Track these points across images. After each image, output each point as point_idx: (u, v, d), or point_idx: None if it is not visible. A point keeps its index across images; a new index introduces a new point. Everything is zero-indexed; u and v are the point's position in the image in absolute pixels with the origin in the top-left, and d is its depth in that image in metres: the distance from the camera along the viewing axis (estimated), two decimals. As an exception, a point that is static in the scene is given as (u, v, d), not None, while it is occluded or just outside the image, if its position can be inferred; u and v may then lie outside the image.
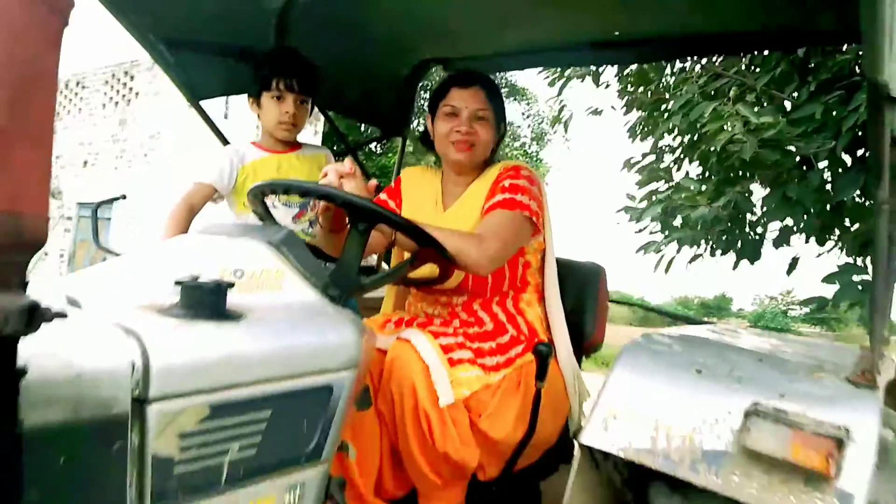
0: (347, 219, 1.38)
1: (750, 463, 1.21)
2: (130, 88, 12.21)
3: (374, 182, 1.51)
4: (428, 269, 1.59)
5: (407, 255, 1.64)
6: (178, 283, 0.99)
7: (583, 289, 2.03)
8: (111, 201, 2.23)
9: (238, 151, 2.13)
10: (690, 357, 1.42)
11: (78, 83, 13.00)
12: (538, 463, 1.75)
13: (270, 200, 2.00)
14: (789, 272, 3.71)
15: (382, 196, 1.96)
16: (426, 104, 1.98)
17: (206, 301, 0.99)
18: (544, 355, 1.59)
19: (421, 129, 2.03)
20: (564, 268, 1.99)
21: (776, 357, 1.49)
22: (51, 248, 12.62)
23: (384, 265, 2.55)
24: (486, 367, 1.58)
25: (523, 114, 21.20)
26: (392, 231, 1.50)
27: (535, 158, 20.92)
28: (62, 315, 0.64)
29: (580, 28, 2.37)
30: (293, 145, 2.17)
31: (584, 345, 1.97)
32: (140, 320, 0.91)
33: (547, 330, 1.80)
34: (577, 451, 1.43)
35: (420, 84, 3.01)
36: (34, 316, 0.60)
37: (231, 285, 1.03)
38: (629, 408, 1.34)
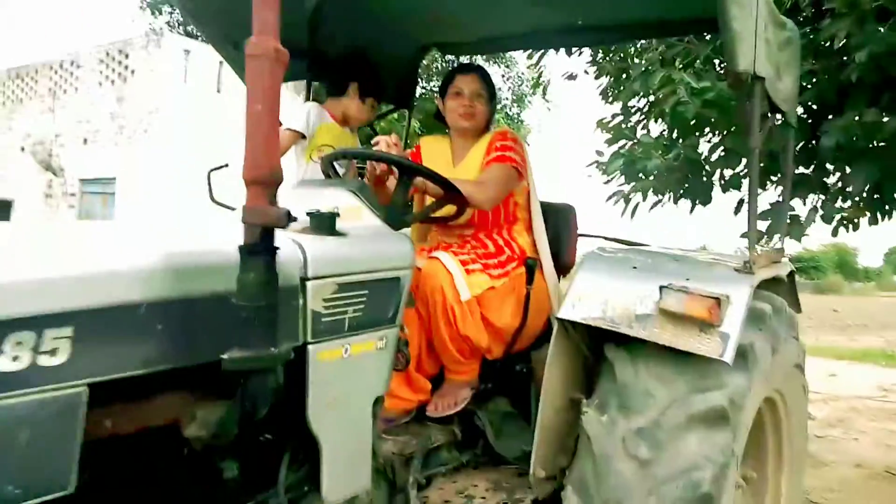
0: (394, 175, 2.04)
1: (664, 319, 1.89)
2: (126, 66, 12.64)
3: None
4: (445, 210, 2.25)
5: (429, 200, 2.29)
6: (308, 213, 1.64)
7: (559, 224, 2.69)
8: (219, 168, 2.73)
9: (319, 110, 2.80)
10: (628, 260, 2.10)
11: (73, 62, 13.38)
12: (529, 346, 2.43)
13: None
14: (736, 212, 4.40)
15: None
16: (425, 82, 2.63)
17: (325, 225, 1.65)
18: (531, 267, 2.28)
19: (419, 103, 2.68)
20: (545, 207, 2.66)
21: (690, 259, 2.17)
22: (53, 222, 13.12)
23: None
24: (492, 276, 2.26)
25: (503, 76, 21.64)
26: (424, 182, 2.16)
27: (515, 120, 21.46)
28: (294, 219, 1.29)
29: (550, 18, 3.00)
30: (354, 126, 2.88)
31: (561, 265, 2.64)
32: (298, 235, 1.56)
33: (534, 251, 2.47)
34: (555, 328, 2.10)
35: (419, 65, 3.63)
36: (289, 219, 1.25)
37: (338, 215, 1.69)
38: (588, 292, 2.02)
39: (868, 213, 4.70)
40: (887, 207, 4.64)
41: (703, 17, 2.65)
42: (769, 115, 2.37)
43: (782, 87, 2.40)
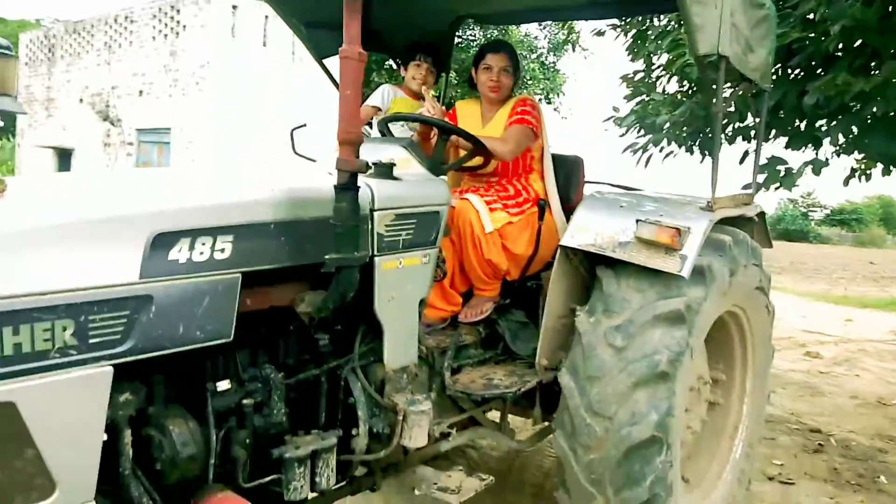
0: (433, 133, 2.64)
1: (640, 245, 2.48)
2: (178, 22, 13.28)
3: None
4: (474, 161, 2.85)
5: (462, 153, 2.89)
6: (373, 163, 2.26)
7: (569, 172, 3.27)
8: (299, 128, 3.30)
9: (391, 89, 3.43)
10: (617, 201, 2.69)
11: (126, 17, 14.07)
12: (540, 270, 3.05)
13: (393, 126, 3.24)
14: (741, 161, 4.90)
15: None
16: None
17: (386, 172, 2.27)
18: (542, 206, 2.89)
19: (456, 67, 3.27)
20: (558, 159, 3.24)
21: (666, 199, 2.75)
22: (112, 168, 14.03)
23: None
24: (510, 213, 2.86)
25: (540, 26, 21.72)
26: (457, 138, 2.76)
27: (551, 70, 21.65)
28: (371, 167, 1.92)
29: None
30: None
31: (568, 206, 3.22)
32: (368, 179, 2.18)
33: (546, 195, 3.07)
34: (558, 254, 2.71)
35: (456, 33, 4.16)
36: (367, 167, 1.88)
37: (394, 165, 2.31)
38: (585, 225, 2.62)
39: (880, 164, 5.15)
40: None
41: None
42: (742, 81, 2.90)
43: (753, 59, 2.92)
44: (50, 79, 16.25)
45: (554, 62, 22.82)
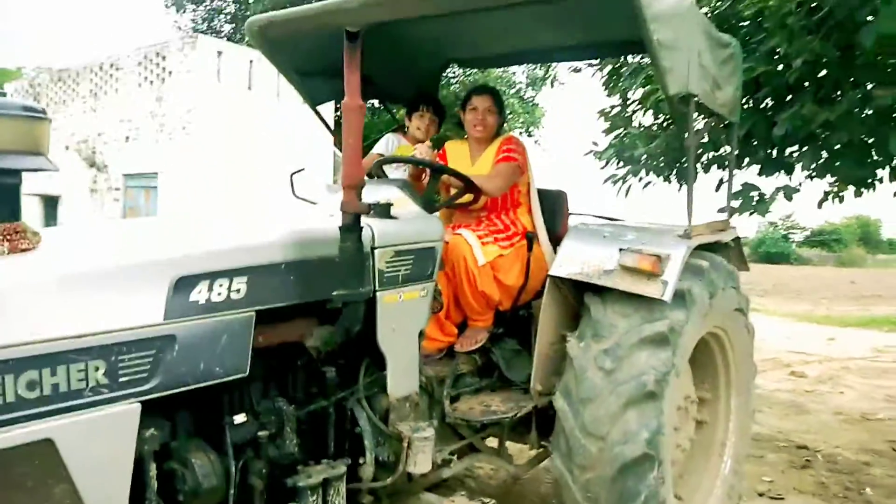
0: (425, 173, 2.81)
1: (624, 272, 2.64)
2: (164, 68, 13.51)
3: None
4: (465, 198, 3.01)
5: (453, 191, 3.05)
6: (371, 205, 2.41)
7: (553, 205, 3.44)
8: (298, 172, 3.44)
9: (395, 138, 3.61)
10: (601, 231, 2.86)
11: (112, 65, 14.28)
12: (531, 299, 3.20)
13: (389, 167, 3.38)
14: (717, 189, 5.11)
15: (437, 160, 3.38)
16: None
17: (384, 211, 2.42)
18: (530, 239, 3.06)
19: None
20: (543, 193, 3.41)
21: (646, 229, 2.91)
22: (103, 216, 14.12)
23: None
24: (501, 246, 3.02)
25: (519, 61, 22.19)
26: (448, 177, 2.93)
27: (530, 104, 22.15)
28: (385, 208, 2.07)
29: (543, 39, 3.72)
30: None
31: (554, 237, 3.38)
32: (367, 219, 2.32)
33: (533, 228, 3.23)
34: (548, 284, 2.86)
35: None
36: (370, 209, 2.03)
37: (391, 204, 2.46)
38: (572, 255, 2.78)
39: (852, 187, 5.39)
40: (869, 181, 5.33)
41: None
42: (711, 116, 3.11)
43: (721, 95, 3.13)
44: (35, 127, 16.38)
45: (532, 97, 23.35)
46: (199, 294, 1.81)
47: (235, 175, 13.61)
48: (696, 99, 2.78)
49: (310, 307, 2.14)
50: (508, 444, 3.29)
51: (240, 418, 2.01)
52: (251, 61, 13.89)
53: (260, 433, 2.04)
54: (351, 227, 2.05)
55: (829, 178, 5.49)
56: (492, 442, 3.27)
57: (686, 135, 2.76)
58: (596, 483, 2.53)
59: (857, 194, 5.67)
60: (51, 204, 16.04)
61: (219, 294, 1.86)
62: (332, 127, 3.92)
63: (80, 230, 2.09)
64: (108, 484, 1.65)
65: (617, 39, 3.54)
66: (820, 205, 5.97)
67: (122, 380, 1.65)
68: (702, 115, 5.07)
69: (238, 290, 1.90)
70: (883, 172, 5.16)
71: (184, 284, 1.77)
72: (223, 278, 1.86)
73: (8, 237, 1.62)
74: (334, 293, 2.05)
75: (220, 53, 13.39)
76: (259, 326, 1.97)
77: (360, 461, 2.35)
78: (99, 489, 1.63)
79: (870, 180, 5.22)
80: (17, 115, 1.62)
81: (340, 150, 3.58)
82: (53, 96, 16.09)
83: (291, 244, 2.05)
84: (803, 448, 5.25)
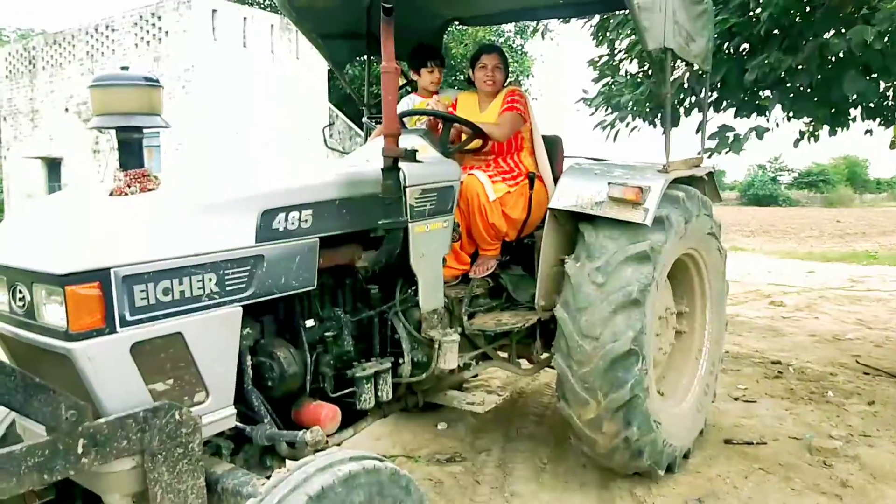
0: (440, 124, 3.28)
1: (612, 202, 3.14)
2: (160, 28, 13.69)
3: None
4: (474, 143, 3.49)
5: (465, 137, 3.52)
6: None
7: (551, 149, 3.92)
8: (330, 125, 3.87)
9: (412, 98, 4.00)
10: (592, 169, 3.35)
11: (107, 27, 14.42)
12: (534, 230, 3.70)
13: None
14: (697, 131, 5.57)
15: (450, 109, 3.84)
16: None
17: (411, 156, 2.90)
18: (532, 178, 3.56)
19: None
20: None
21: (631, 166, 3.41)
22: (107, 177, 14.45)
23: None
24: (508, 184, 3.51)
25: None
26: (461, 126, 3.40)
27: (519, 52, 22.30)
28: (413, 154, 2.56)
29: None
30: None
31: (553, 177, 3.88)
32: (401, 164, 2.80)
33: (535, 168, 3.72)
34: (547, 216, 3.36)
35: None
36: (409, 155, 2.52)
37: (416, 150, 2.94)
38: (568, 190, 3.27)
39: (826, 126, 5.87)
40: (843, 120, 5.81)
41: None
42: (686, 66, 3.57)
43: (695, 47, 3.59)
44: (33, 91, 16.56)
45: (521, 45, 23.47)
46: (279, 223, 2.30)
47: (235, 129, 13.95)
48: (671, 52, 3.25)
49: (359, 235, 2.64)
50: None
51: (310, 322, 2.53)
52: (244, 19, 14.07)
53: (326, 334, 2.57)
54: (391, 169, 2.54)
55: (805, 119, 5.98)
56: (502, 354, 3.82)
57: (663, 84, 3.24)
58: (591, 375, 3.08)
59: (832, 133, 6.15)
60: (54, 166, 16.35)
61: (292, 223, 2.35)
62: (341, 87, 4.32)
63: (186, 174, 2.56)
64: (221, 367, 2.17)
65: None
66: (796, 143, 6.47)
67: (228, 288, 2.15)
68: (682, 63, 5.53)
69: (306, 221, 2.39)
70: (855, 112, 5.65)
71: (268, 216, 2.26)
72: (295, 211, 2.36)
73: (138, 180, 2.10)
74: (379, 223, 2.56)
75: (214, 12, 13.56)
76: (322, 250, 2.47)
77: (400, 361, 2.89)
78: (215, 371, 2.14)
79: (842, 119, 5.71)
80: (138, 83, 2.08)
81: (334, 104, 3.97)
82: (50, 59, 16.22)
83: (345, 184, 2.54)
84: (777, 363, 5.86)
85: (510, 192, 3.50)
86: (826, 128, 5.98)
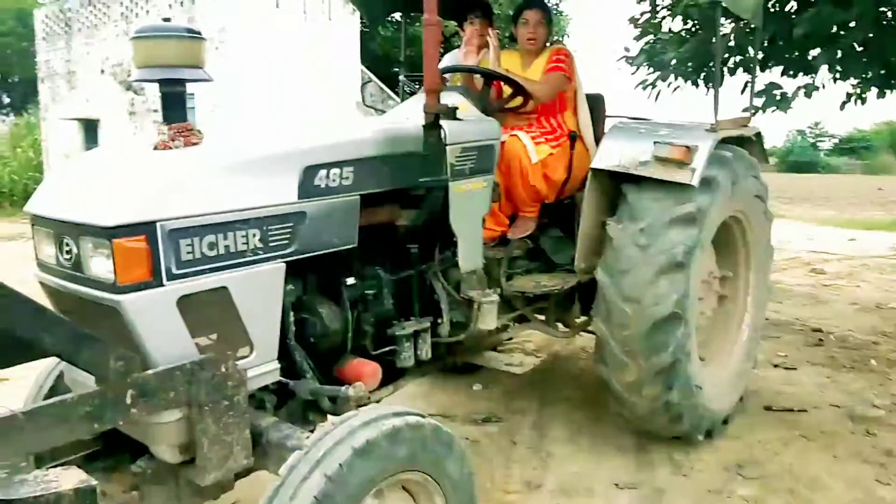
0: (478, 80, 3.21)
1: (657, 162, 3.06)
2: (193, -12, 13.64)
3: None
4: (516, 102, 3.41)
5: (505, 94, 3.44)
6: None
7: (592, 108, 3.82)
8: (367, 83, 3.83)
9: (454, 54, 3.91)
10: (636, 128, 3.26)
11: (142, -13, 14.41)
12: (574, 192, 3.63)
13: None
14: (742, 91, 5.40)
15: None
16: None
17: (451, 114, 2.84)
18: (573, 139, 3.48)
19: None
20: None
21: (676, 125, 3.31)
22: (143, 138, 14.58)
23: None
24: (551, 146, 3.43)
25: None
26: (503, 84, 3.32)
27: (556, 13, 21.83)
28: (454, 111, 2.51)
29: None
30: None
31: (595, 137, 3.79)
32: (441, 122, 2.75)
33: (578, 129, 3.63)
34: (589, 176, 3.28)
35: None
36: (450, 112, 2.47)
37: (457, 108, 2.88)
38: (611, 150, 3.19)
39: (875, 88, 5.64)
40: (893, 82, 5.58)
41: None
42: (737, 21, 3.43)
43: (745, 1, 3.44)
44: (69, 52, 16.68)
45: (557, 4, 22.96)
46: (321, 180, 2.27)
47: (269, 90, 13.94)
48: (723, 5, 3.12)
49: (399, 193, 2.61)
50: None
51: (351, 280, 2.52)
52: (278, -21, 13.94)
53: (366, 292, 2.56)
54: (432, 125, 2.49)
55: (852, 81, 5.75)
56: (540, 317, 3.79)
57: (713, 39, 3.11)
58: (632, 339, 3.04)
59: (881, 95, 5.91)
60: (91, 128, 16.54)
61: (334, 181, 2.32)
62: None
63: (230, 130, 2.55)
64: (266, 322, 2.17)
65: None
66: (843, 106, 6.22)
67: (271, 244, 2.14)
68: (729, 20, 5.33)
69: (347, 178, 2.36)
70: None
71: (310, 172, 2.23)
72: (336, 168, 2.33)
73: (183, 134, 2.09)
74: (420, 180, 2.52)
75: (247, -28, 13.47)
76: (363, 208, 2.44)
77: (439, 321, 2.87)
78: (260, 325, 2.15)
79: (892, 81, 5.48)
80: (181, 35, 2.05)
81: (366, 67, 3.89)
82: (85, 21, 16.28)
83: (386, 140, 2.50)
84: (818, 331, 5.75)
85: (552, 153, 3.43)
86: (874, 90, 5.76)
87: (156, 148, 2.09)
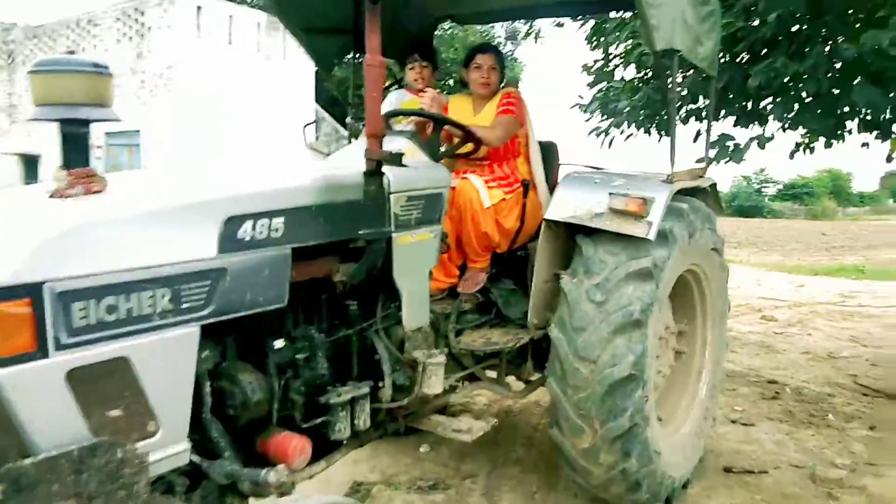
0: (429, 125, 3.03)
1: (612, 214, 2.91)
2: (143, 24, 13.36)
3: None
4: (467, 148, 3.24)
5: (456, 141, 3.28)
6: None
7: (546, 156, 3.69)
8: (311, 123, 3.63)
9: (399, 94, 3.74)
10: (591, 178, 3.11)
11: (89, 21, 14.07)
12: (526, 242, 3.46)
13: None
14: (695, 140, 5.38)
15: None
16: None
17: (397, 160, 2.65)
18: (527, 186, 3.32)
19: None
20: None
21: (632, 175, 3.17)
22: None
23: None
24: (504, 192, 3.26)
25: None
26: (452, 128, 3.15)
27: (509, 58, 22.16)
28: (398, 157, 2.31)
29: None
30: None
31: (548, 185, 3.64)
32: (384, 168, 2.55)
33: (530, 176, 3.47)
34: (542, 226, 3.12)
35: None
36: (394, 158, 2.27)
37: (403, 154, 2.69)
38: (565, 200, 3.04)
39: (822, 138, 5.68)
40: (839, 132, 5.62)
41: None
42: (692, 70, 3.36)
43: (702, 50, 3.37)
44: (12, 85, 16.14)
45: (511, 51, 23.33)
46: (245, 232, 2.04)
47: (218, 130, 13.64)
48: (679, 54, 3.03)
49: (337, 246, 2.38)
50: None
51: (279, 343, 2.27)
52: (231, 16, 13.76)
53: (297, 357, 2.31)
54: (374, 173, 2.29)
55: (800, 131, 5.79)
56: (491, 374, 3.57)
57: (669, 88, 3.01)
58: (587, 401, 2.84)
59: (828, 145, 5.97)
60: (31, 163, 15.93)
61: (261, 232, 2.09)
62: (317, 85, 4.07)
63: (139, 175, 2.30)
64: (174, 397, 1.91)
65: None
66: (792, 155, 6.27)
67: (183, 306, 1.89)
68: (682, 71, 5.33)
69: (277, 230, 2.13)
70: (852, 124, 5.47)
71: (232, 223, 2.00)
72: (265, 218, 2.10)
73: (83, 181, 1.84)
74: (360, 232, 2.30)
75: (199, 9, 13.25)
76: (294, 262, 2.21)
77: (380, 385, 2.63)
78: (166, 402, 1.88)
79: (839, 132, 5.53)
80: (85, 70, 1.82)
81: (321, 105, 3.75)
82: (29, 54, 15.82)
83: (322, 188, 2.28)
84: (773, 382, 5.66)
85: (505, 199, 3.26)
86: (822, 140, 5.81)
87: (52, 196, 1.83)
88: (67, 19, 14.46)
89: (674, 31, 2.93)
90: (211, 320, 1.96)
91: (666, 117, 5.47)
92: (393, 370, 2.66)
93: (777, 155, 6.13)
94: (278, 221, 2.14)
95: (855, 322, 8.58)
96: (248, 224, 2.04)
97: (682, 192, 3.24)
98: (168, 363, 1.88)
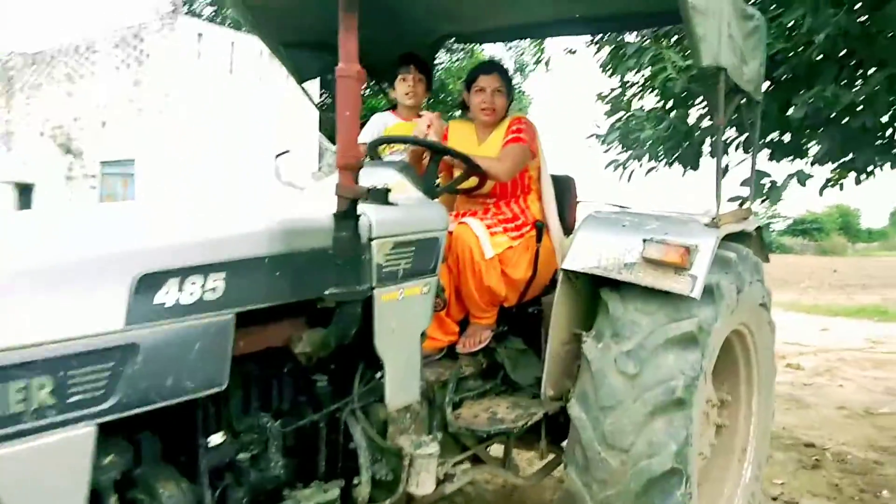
0: (426, 154, 2.52)
1: (647, 265, 2.38)
2: (141, 50, 13.05)
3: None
4: (470, 182, 2.73)
5: (457, 173, 2.77)
6: (367, 189, 2.13)
7: (561, 192, 3.17)
8: (283, 154, 3.14)
9: (383, 119, 3.24)
10: (619, 220, 2.59)
11: (88, 48, 13.79)
12: (539, 294, 2.93)
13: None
14: (724, 174, 4.86)
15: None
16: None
17: (381, 197, 2.13)
18: (540, 229, 2.78)
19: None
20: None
21: (668, 217, 2.65)
22: (79, 204, 13.66)
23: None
24: (510, 237, 2.74)
25: (507, 47, 21.93)
26: (451, 158, 2.64)
27: (517, 91, 21.90)
28: (383, 194, 1.78)
29: (546, 11, 3.45)
30: (415, 113, 3.27)
31: (564, 227, 3.12)
32: (362, 206, 2.03)
33: (543, 216, 2.95)
34: (560, 277, 2.59)
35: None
36: (368, 193, 1.74)
37: (389, 189, 2.17)
38: (587, 247, 2.51)
39: (853, 173, 5.17)
40: (869, 168, 5.11)
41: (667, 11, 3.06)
42: (735, 93, 2.84)
43: (747, 70, 2.86)
44: (9, 112, 15.85)
45: (519, 84, 23.06)
46: (167, 295, 1.51)
47: (217, 161, 13.24)
48: (725, 73, 2.52)
49: (298, 307, 1.84)
50: (514, 451, 3.03)
51: (216, 439, 1.72)
52: (232, 43, 13.45)
53: (240, 455, 1.75)
54: (347, 214, 1.76)
55: (830, 165, 5.29)
56: (496, 449, 3.01)
57: (716, 111, 2.49)
58: (617, 500, 2.28)
59: (858, 182, 5.47)
60: (25, 192, 15.54)
61: (191, 294, 1.56)
62: (318, 106, 3.61)
63: (28, 219, 1.79)
64: (56, 525, 1.37)
65: (627, 11, 3.28)
66: (821, 192, 5.75)
67: (72, 400, 1.36)
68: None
69: (214, 290, 1.61)
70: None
71: (148, 283, 1.48)
72: (196, 275, 1.57)
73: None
74: (327, 291, 1.77)
75: (200, 35, 12.95)
76: (239, 331, 1.68)
77: (355, 481, 2.07)
78: (44, 532, 1.34)
79: (870, 168, 5.02)
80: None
81: (325, 135, 3.30)
82: (28, 80, 15.55)
83: (277, 234, 1.75)
84: (810, 446, 5.06)
85: (512, 246, 2.74)
86: (852, 175, 5.31)
87: None
88: (66, 45, 14.21)
89: (720, 45, 2.43)
90: (113, 416, 1.42)
91: (689, 148, 4.98)
92: (372, 462, 2.11)
93: (788, 190, 5.58)
94: (216, 279, 1.61)
95: (888, 372, 7.97)
96: (170, 283, 1.52)
97: (727, 238, 2.71)
98: (47, 478, 1.35)
